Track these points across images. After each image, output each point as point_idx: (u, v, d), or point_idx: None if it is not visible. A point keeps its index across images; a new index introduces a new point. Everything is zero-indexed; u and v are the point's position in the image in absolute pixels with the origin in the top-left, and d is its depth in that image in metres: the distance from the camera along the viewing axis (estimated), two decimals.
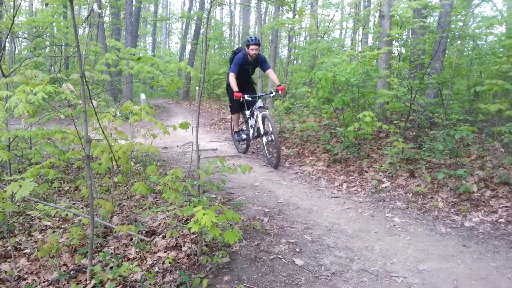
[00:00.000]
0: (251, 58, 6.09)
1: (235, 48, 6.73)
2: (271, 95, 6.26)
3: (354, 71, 6.23)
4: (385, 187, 4.62)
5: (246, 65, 6.18)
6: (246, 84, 6.42)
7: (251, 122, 6.41)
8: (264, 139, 6.01)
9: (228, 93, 6.69)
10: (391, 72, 7.32)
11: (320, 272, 2.81)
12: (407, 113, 6.10)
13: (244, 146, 6.94)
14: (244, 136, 6.71)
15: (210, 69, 20.11)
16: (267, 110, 6.00)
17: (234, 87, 5.92)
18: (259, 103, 6.05)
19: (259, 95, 6.23)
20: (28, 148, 4.90)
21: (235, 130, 6.93)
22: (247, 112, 6.52)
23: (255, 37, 6.09)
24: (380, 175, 4.93)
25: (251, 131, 6.42)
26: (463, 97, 7.16)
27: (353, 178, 5.10)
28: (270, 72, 6.30)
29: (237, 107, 6.60)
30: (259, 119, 5.96)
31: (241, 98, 5.90)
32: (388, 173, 4.96)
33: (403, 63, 7.52)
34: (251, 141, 6.76)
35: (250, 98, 6.04)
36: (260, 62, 6.28)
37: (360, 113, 5.70)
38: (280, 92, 5.97)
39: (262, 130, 5.97)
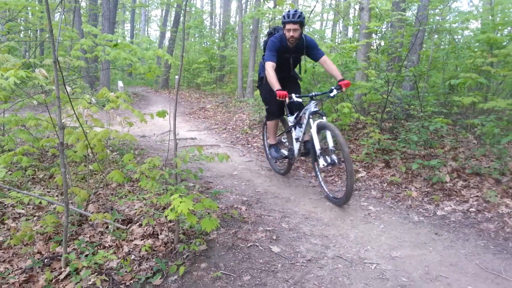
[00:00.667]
0: (290, 44, 4.20)
1: (270, 29, 4.77)
2: (331, 94, 4.09)
3: (333, 62, 6.25)
4: (361, 176, 4.71)
5: (286, 53, 4.30)
6: (285, 80, 4.44)
7: (296, 133, 4.46)
8: (321, 161, 3.87)
9: (261, 91, 4.81)
10: (369, 64, 7.41)
11: (296, 259, 2.85)
12: (384, 105, 6.19)
13: (285, 165, 4.97)
14: (285, 153, 4.74)
15: (190, 58, 19.91)
16: (325, 117, 4.04)
17: (275, 83, 4.01)
18: (312, 107, 4.09)
19: (313, 94, 4.14)
20: (0, 135, 4.76)
21: (271, 142, 4.89)
22: (290, 119, 4.57)
23: (296, 10, 4.08)
24: (357, 165, 5.02)
25: (296, 146, 4.45)
26: (438, 89, 7.32)
27: (330, 168, 5.16)
28: (325, 61, 4.26)
29: (277, 111, 4.65)
30: (314, 130, 3.96)
31: (286, 99, 3.96)
32: (365, 163, 5.04)
33: (381, 56, 7.61)
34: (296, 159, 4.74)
35: (300, 100, 4.09)
36: (306, 48, 4.32)
37: (338, 104, 5.77)
38: (344, 89, 4.06)
39: (318, 147, 3.95)
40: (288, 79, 4.54)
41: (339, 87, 4.05)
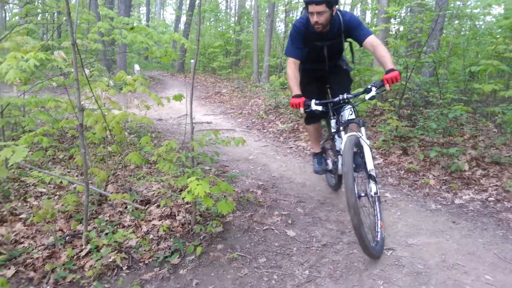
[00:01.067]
0: (319, 30, 3.02)
1: (302, 8, 3.43)
2: (367, 97, 2.78)
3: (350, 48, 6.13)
4: (378, 163, 4.67)
5: (316, 41, 3.18)
6: (326, 73, 3.46)
7: (337, 144, 3.26)
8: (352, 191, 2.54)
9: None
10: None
11: (311, 243, 2.87)
12: (402, 92, 6.10)
13: (335, 179, 3.81)
14: (330, 166, 3.65)
15: (206, 42, 19.83)
16: (363, 128, 3.03)
17: (293, 87, 3.03)
18: (347, 113, 3.05)
19: (342, 97, 2.92)
20: (21, 116, 4.85)
21: (314, 151, 3.79)
22: (333, 123, 3.19)
23: None
24: (374, 152, 4.98)
25: (339, 159, 3.28)
26: (458, 76, 7.17)
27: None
28: (372, 43, 2.93)
29: (312, 113, 3.03)
30: (346, 145, 2.71)
31: (301, 109, 2.90)
32: (382, 150, 5.00)
33: (400, 41, 7.46)
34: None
35: (319, 108, 2.91)
36: (346, 31, 3.08)
37: (355, 90, 5.70)
38: (388, 88, 2.68)
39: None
40: (330, 72, 3.43)
41: (381, 84, 2.71)
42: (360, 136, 2.86)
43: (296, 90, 3.02)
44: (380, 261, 2.63)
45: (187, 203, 3.25)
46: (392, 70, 2.71)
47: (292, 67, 3.12)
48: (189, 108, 3.16)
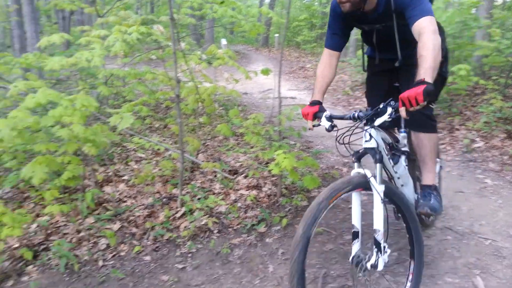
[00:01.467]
0: (344, 9, 1.98)
1: None
2: (376, 123, 1.80)
3: (450, 20, 5.70)
4: (478, 147, 4.30)
5: (361, 23, 2.22)
6: (389, 70, 2.34)
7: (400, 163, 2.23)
8: (353, 248, 1.89)
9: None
10: (492, 22, 6.56)
11: (401, 225, 2.76)
12: (509, 69, 5.49)
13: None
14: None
15: (291, 15, 19.56)
16: (378, 165, 1.87)
17: (314, 90, 2.24)
18: (364, 140, 1.92)
19: (354, 114, 1.90)
20: (122, 86, 5.26)
21: None
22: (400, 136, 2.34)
23: None
24: (473, 134, 4.58)
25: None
26: None
27: (442, 136, 4.79)
28: (420, 28, 1.78)
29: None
30: (321, 195, 1.79)
31: (310, 123, 2.12)
32: (482, 133, 4.59)
33: (508, 12, 6.67)
34: None
35: (326, 125, 2.01)
36: (396, 9, 1.96)
37: (454, 66, 5.25)
38: (404, 111, 1.57)
39: (353, 220, 1.95)
40: (398, 68, 2.20)
41: (395, 108, 1.66)
42: (370, 178, 1.85)
43: (316, 95, 2.19)
44: (476, 250, 2.46)
45: (273, 175, 3.32)
46: (418, 83, 1.57)
47: (324, 60, 2.24)
48: (276, 83, 3.18)
